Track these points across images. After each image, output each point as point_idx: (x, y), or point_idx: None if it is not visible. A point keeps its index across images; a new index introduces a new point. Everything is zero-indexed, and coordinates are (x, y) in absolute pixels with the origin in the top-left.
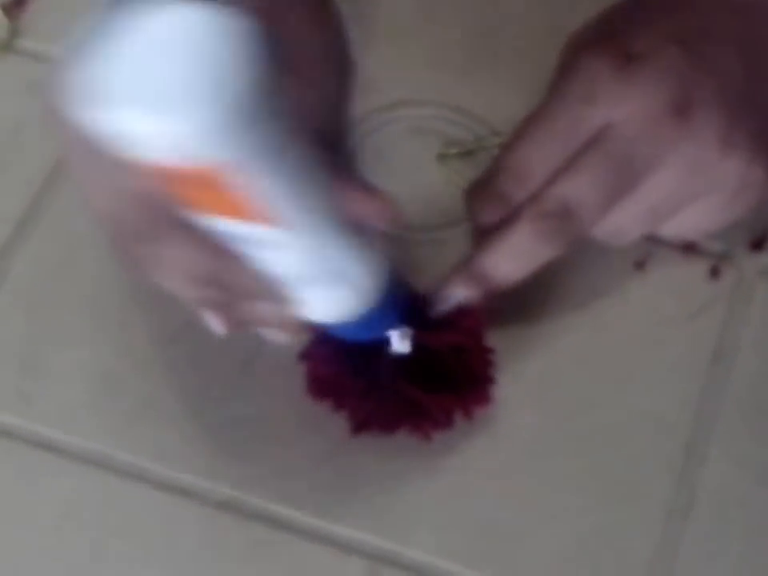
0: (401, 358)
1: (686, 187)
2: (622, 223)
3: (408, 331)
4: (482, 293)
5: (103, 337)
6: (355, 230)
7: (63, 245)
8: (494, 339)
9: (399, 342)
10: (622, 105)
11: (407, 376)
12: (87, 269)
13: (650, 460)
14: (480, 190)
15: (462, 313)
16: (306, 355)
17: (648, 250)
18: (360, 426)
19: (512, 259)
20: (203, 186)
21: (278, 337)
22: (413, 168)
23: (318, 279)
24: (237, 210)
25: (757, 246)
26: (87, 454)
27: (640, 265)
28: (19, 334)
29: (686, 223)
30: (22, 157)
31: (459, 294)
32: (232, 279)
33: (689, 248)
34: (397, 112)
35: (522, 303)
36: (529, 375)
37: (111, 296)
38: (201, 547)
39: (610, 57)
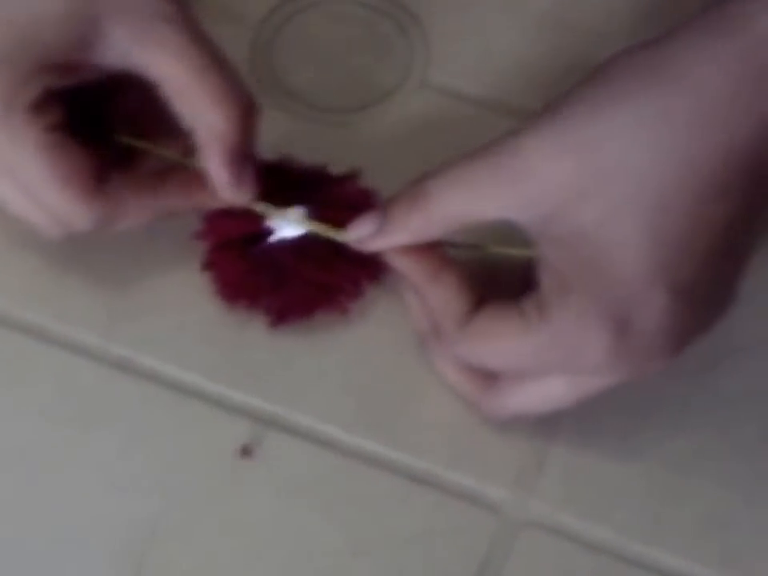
0: (298, 240)
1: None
2: None
3: (301, 211)
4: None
5: None
6: None
7: None
8: None
9: (294, 224)
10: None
11: (308, 256)
12: None
13: None
14: None
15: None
16: (210, 263)
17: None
18: (278, 319)
19: None
20: None
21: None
22: (332, 54)
23: None
24: None
25: None
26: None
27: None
28: None
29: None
30: None
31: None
32: None
33: None
34: None
35: None
36: None
37: None
38: (95, 405)
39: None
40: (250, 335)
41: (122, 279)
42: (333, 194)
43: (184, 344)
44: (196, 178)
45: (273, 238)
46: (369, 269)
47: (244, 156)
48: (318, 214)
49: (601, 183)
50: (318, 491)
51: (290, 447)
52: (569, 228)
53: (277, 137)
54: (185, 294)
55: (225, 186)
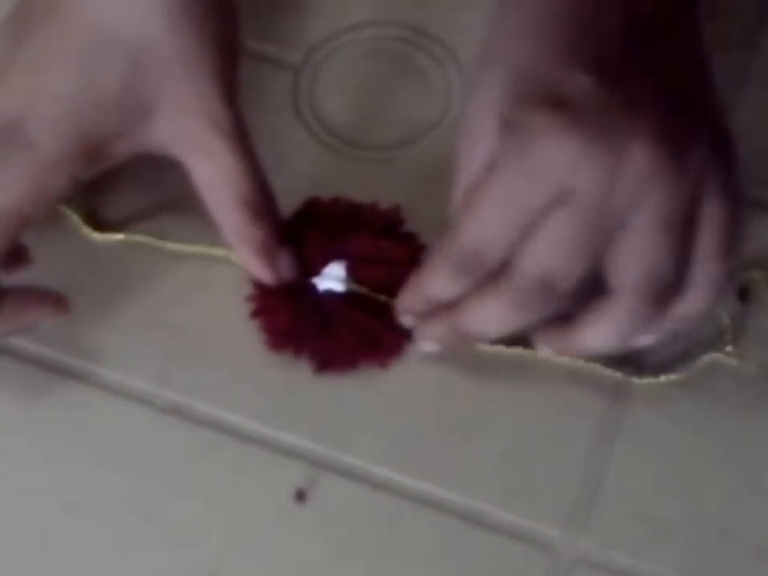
0: (345, 293)
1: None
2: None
3: (341, 270)
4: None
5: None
6: None
7: None
8: None
9: (338, 277)
10: (573, 168)
11: (353, 306)
12: None
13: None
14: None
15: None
16: (257, 311)
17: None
18: (322, 367)
19: (490, 324)
20: None
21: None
22: (371, 89)
23: None
24: None
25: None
26: (39, 358)
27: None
28: None
29: None
30: None
31: (430, 343)
32: None
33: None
34: (356, 34)
35: None
36: None
37: None
38: (150, 452)
39: (546, 113)
40: (301, 377)
41: (174, 325)
42: (375, 246)
43: (237, 388)
44: (35, 296)
45: (318, 287)
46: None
47: (274, 247)
48: (359, 269)
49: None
50: (373, 533)
51: (343, 489)
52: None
53: (319, 173)
54: (236, 339)
55: (260, 274)
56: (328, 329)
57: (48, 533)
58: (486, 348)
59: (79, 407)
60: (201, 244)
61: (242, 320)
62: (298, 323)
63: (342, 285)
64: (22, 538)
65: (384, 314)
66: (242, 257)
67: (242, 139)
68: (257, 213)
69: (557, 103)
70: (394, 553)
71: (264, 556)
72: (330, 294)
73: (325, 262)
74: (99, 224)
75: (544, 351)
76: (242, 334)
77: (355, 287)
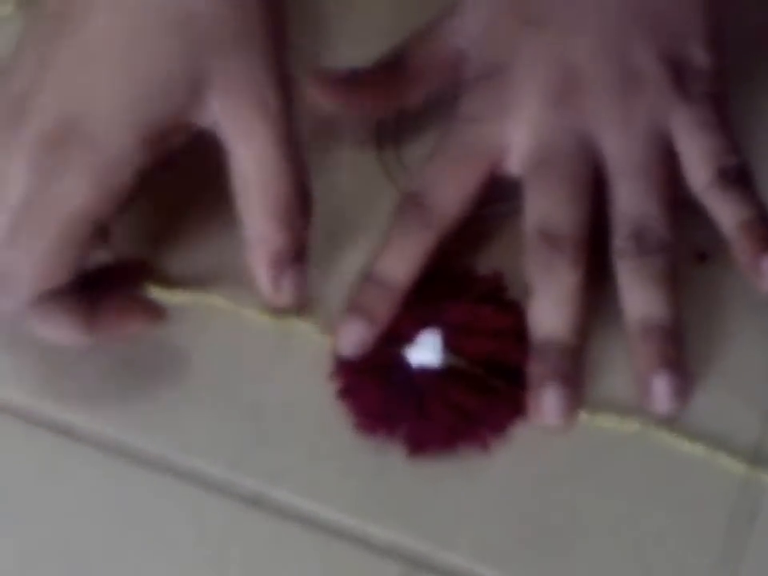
0: (440, 367)
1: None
2: None
3: (436, 339)
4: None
5: None
6: None
7: None
8: None
9: (433, 348)
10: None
11: (449, 383)
12: None
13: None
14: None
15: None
16: (346, 390)
17: None
18: (417, 450)
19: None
20: None
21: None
22: None
23: None
24: None
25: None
26: (110, 443)
27: None
28: None
29: None
30: None
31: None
32: None
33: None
34: None
35: None
36: None
37: None
38: (228, 543)
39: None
40: (391, 463)
41: (250, 404)
42: (474, 314)
43: (320, 474)
44: (131, 305)
45: (411, 363)
46: (513, 402)
47: (289, 261)
48: (456, 338)
49: None
50: None
51: None
52: None
53: None
54: (318, 419)
55: (263, 286)
56: (422, 407)
57: None
58: (603, 421)
59: (155, 496)
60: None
61: (326, 398)
62: (390, 403)
63: (437, 356)
64: None
65: (484, 390)
66: (251, 257)
67: (288, 130)
68: (285, 219)
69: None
70: None
71: None
72: (423, 369)
73: (418, 330)
74: (164, 280)
75: None
76: (327, 413)
77: (452, 359)
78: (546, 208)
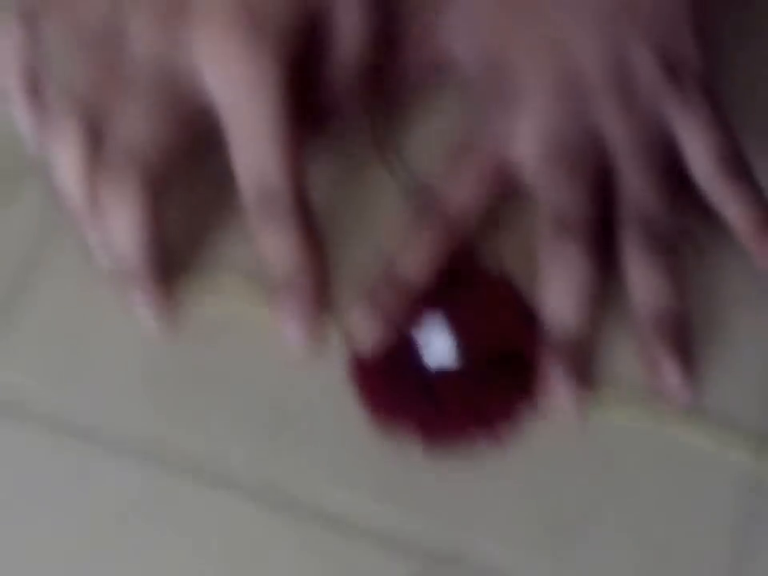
0: (451, 364)
1: None
2: None
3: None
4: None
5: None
6: None
7: None
8: None
9: (443, 350)
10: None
11: (461, 374)
12: None
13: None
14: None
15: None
16: (363, 388)
17: None
18: (430, 442)
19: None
20: None
21: None
22: None
23: None
24: None
25: None
26: (145, 449)
27: None
28: None
29: None
30: None
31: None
32: None
33: None
34: None
35: None
36: None
37: None
38: (255, 546)
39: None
40: (410, 461)
41: (272, 402)
42: (482, 308)
43: (339, 471)
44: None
45: (424, 358)
46: (526, 393)
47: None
48: (465, 332)
49: None
50: None
51: None
52: None
53: None
54: (338, 417)
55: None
56: (434, 401)
57: None
58: (618, 410)
59: (185, 503)
60: None
61: (346, 396)
62: (405, 399)
63: (449, 352)
64: None
65: (496, 382)
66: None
67: (287, 113)
68: (275, 212)
69: None
70: None
71: None
72: (436, 364)
73: (428, 325)
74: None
75: None
76: (347, 411)
77: (463, 353)
78: (559, 199)
